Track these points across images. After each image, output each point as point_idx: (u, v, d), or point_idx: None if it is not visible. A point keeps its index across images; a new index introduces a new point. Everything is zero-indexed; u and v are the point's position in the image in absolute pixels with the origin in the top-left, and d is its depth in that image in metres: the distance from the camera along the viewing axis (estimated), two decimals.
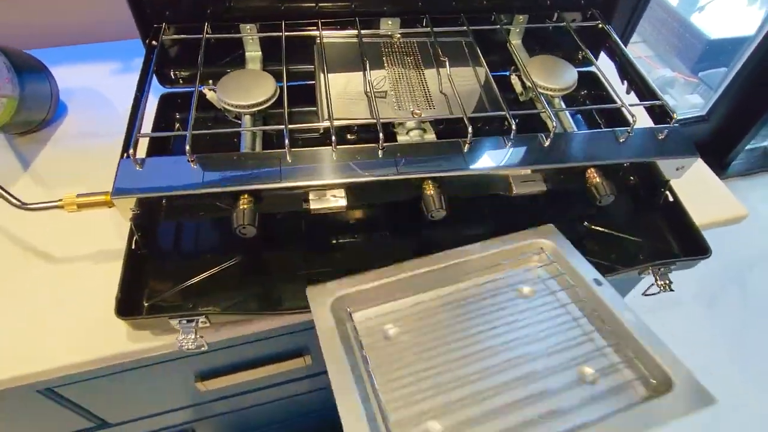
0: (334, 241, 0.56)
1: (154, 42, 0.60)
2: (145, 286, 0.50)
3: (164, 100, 0.64)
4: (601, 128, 0.68)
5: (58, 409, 0.59)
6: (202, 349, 0.47)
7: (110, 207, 0.45)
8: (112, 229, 0.55)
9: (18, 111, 0.56)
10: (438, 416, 0.40)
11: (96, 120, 0.67)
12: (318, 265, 0.54)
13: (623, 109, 0.56)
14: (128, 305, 0.46)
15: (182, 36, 0.61)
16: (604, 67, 0.64)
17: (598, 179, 0.52)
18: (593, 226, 0.60)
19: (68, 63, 0.73)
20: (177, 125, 0.64)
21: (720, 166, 1.93)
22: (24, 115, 0.58)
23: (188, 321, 0.46)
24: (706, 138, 1.89)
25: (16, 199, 0.45)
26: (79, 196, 0.45)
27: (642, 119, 0.55)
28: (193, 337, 0.45)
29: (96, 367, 0.48)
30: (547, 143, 0.52)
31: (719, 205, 0.63)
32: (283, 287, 0.52)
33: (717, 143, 1.87)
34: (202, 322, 0.47)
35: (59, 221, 0.54)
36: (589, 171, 0.52)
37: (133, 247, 0.50)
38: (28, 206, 0.45)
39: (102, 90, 0.71)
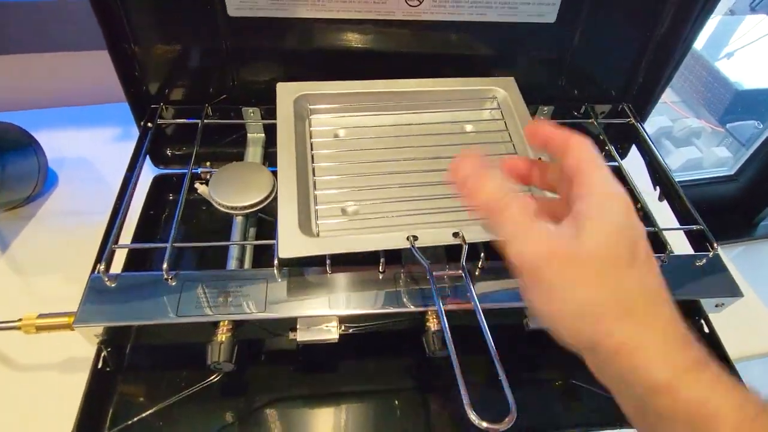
0: (327, 364, 0.50)
1: (149, 124, 0.56)
2: (110, 409, 0.45)
3: (157, 183, 0.60)
4: None
5: None
6: None
7: (72, 330, 0.40)
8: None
9: None
10: (357, 202, 0.46)
11: (85, 196, 0.63)
12: (307, 387, 0.48)
13: (658, 233, 0.50)
14: None
15: (180, 120, 0.57)
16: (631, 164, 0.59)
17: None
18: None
19: (62, 127, 0.70)
20: (167, 211, 0.60)
21: (748, 225, 1.84)
22: (5, 196, 0.55)
23: None
24: (734, 196, 1.81)
25: None
26: (40, 317, 0.40)
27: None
28: None
29: None
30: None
31: (763, 336, 0.56)
32: (267, 415, 0.46)
33: (746, 202, 1.78)
34: None
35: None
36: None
37: (99, 366, 0.45)
38: None
39: (96, 160, 0.67)
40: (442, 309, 0.36)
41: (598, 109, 0.65)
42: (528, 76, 0.61)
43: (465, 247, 0.41)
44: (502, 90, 0.56)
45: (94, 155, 0.68)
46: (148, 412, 0.45)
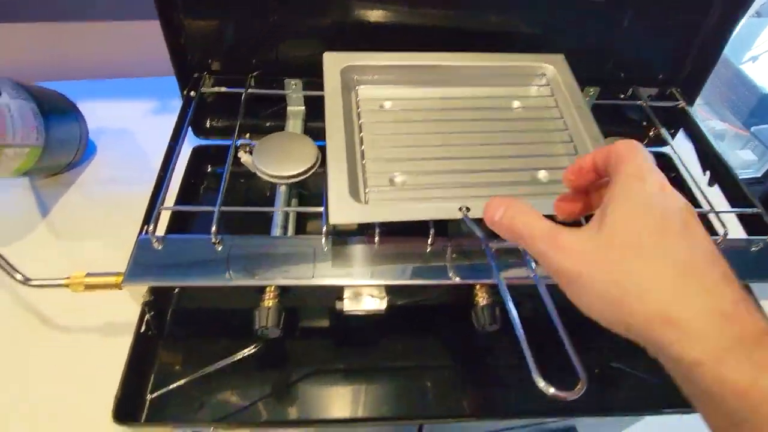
0: (370, 338, 0.49)
1: (192, 93, 0.56)
2: (151, 374, 0.44)
3: (197, 153, 0.60)
4: None
5: None
6: None
7: (120, 289, 0.40)
8: (126, 298, 0.49)
9: (42, 158, 0.52)
10: (405, 172, 0.45)
11: (124, 165, 0.63)
12: (348, 361, 0.47)
13: (711, 215, 0.48)
14: (128, 404, 0.41)
15: (223, 89, 0.56)
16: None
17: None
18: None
19: (103, 98, 0.69)
20: (205, 183, 0.60)
21: None
22: (49, 161, 0.55)
23: None
24: (759, 198, 1.77)
25: (20, 273, 0.40)
26: (88, 275, 0.40)
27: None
28: None
29: None
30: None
31: None
32: (307, 387, 0.46)
33: None
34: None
35: None
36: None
37: (142, 330, 0.44)
38: (31, 283, 0.40)
39: (134, 131, 0.67)
40: (503, 282, 0.35)
41: (645, 92, 0.63)
42: (575, 57, 0.59)
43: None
44: (552, 67, 0.54)
45: (131, 127, 0.68)
46: (187, 379, 0.44)
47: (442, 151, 0.48)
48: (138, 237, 0.42)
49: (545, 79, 0.55)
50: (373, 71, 0.52)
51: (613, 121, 0.64)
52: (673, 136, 0.65)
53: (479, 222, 0.39)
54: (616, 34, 0.59)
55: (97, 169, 0.63)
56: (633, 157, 0.27)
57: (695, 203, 0.53)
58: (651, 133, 0.64)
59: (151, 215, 0.42)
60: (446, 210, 0.40)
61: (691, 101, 0.62)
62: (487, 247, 0.37)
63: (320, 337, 0.48)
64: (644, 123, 0.63)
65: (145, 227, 0.42)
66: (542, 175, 0.47)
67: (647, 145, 0.59)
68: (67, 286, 0.40)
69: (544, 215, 0.29)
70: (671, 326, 0.23)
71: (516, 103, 0.53)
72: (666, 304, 0.23)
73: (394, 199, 0.44)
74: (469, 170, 0.46)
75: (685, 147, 0.60)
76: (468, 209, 0.40)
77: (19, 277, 0.40)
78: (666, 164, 0.63)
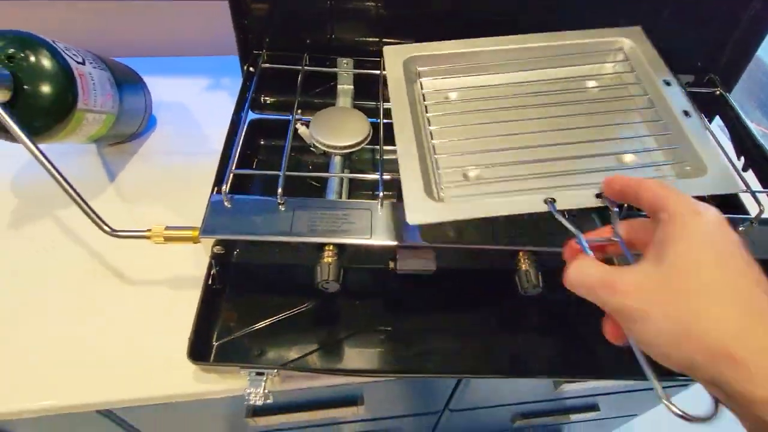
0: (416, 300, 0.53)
1: (251, 69, 0.59)
2: (217, 324, 0.48)
3: (252, 126, 0.63)
4: None
5: (113, 426, 0.59)
6: (268, 401, 0.44)
7: (195, 243, 0.44)
8: (191, 256, 0.54)
9: (114, 125, 0.57)
10: (479, 166, 0.44)
11: (182, 137, 0.67)
12: (394, 320, 0.51)
13: (748, 194, 0.50)
14: (200, 346, 0.45)
15: (281, 66, 0.60)
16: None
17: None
18: None
19: (161, 75, 0.74)
20: (260, 155, 0.63)
21: None
22: (118, 129, 0.59)
23: (258, 374, 0.44)
24: None
25: (106, 225, 0.44)
26: (167, 228, 0.44)
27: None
28: (261, 391, 0.43)
29: (159, 403, 0.47)
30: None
31: None
32: (356, 342, 0.49)
33: None
34: (272, 375, 0.45)
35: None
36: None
37: (209, 282, 0.48)
38: (117, 233, 0.44)
39: (190, 106, 0.72)
40: None
41: (683, 78, 0.64)
42: None
43: (615, 211, 0.35)
44: (629, 40, 0.52)
45: (187, 102, 0.72)
46: (247, 330, 0.48)
47: (516, 140, 0.45)
48: (210, 196, 0.45)
49: (622, 54, 0.52)
50: (434, 61, 0.52)
51: None
52: (710, 122, 0.66)
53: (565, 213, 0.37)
54: (656, 20, 0.60)
55: (157, 141, 0.67)
56: (678, 192, 0.28)
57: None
58: None
59: (223, 177, 0.46)
60: (529, 203, 0.38)
61: (729, 88, 0.63)
62: (581, 242, 0.33)
63: (369, 297, 0.52)
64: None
65: (217, 188, 0.46)
66: (629, 158, 0.44)
67: None
68: (148, 237, 0.44)
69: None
70: (736, 364, 0.23)
71: (591, 83, 0.51)
72: (731, 342, 0.23)
73: (470, 194, 0.42)
74: (547, 159, 0.44)
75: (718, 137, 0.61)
76: (554, 200, 0.38)
77: (106, 228, 0.44)
78: None
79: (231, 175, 0.47)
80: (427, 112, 0.48)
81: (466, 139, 0.46)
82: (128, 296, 0.51)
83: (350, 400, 0.62)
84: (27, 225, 0.56)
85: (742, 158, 0.59)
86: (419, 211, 0.39)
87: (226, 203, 0.45)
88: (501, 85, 0.51)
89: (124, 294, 0.51)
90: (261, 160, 0.64)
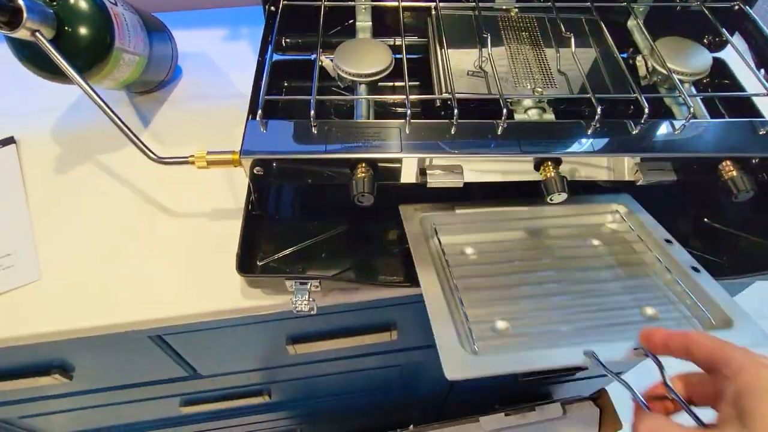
0: None
1: (272, 8, 0.61)
2: (258, 247, 0.51)
3: (275, 68, 0.65)
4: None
5: (162, 355, 0.63)
6: (312, 312, 0.48)
7: (236, 166, 0.47)
8: (226, 190, 0.57)
9: (145, 70, 0.59)
10: (505, 318, 0.44)
11: (208, 84, 0.69)
12: None
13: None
14: (246, 263, 0.48)
15: (301, 2, 0.61)
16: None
17: (735, 173, 0.48)
18: (714, 224, 0.56)
19: (183, 27, 0.75)
20: (284, 93, 0.65)
21: None
22: (149, 74, 0.61)
23: (302, 284, 0.47)
24: None
25: (152, 152, 0.47)
26: (209, 153, 0.47)
27: None
28: (306, 299, 0.46)
29: (209, 320, 0.50)
30: (679, 130, 0.49)
31: None
32: (388, 260, 0.52)
33: None
34: (314, 286, 0.48)
35: (177, 178, 0.57)
36: (724, 163, 0.48)
37: (249, 207, 0.51)
38: (163, 160, 0.47)
39: (213, 56, 0.73)
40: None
41: None
42: None
43: (663, 371, 0.34)
44: (622, 206, 0.55)
45: (209, 51, 0.74)
46: (289, 251, 0.51)
47: (538, 291, 0.47)
48: (246, 122, 0.48)
49: (619, 215, 0.55)
50: (449, 220, 0.53)
51: (667, 28, 0.65)
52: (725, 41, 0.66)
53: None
54: None
55: (185, 88, 0.69)
56: (734, 345, 0.28)
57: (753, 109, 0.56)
58: (705, 40, 0.66)
59: (257, 104, 0.48)
60: (572, 355, 0.39)
61: (749, 2, 0.63)
62: (637, 397, 0.33)
63: (398, 219, 0.54)
64: (699, 27, 0.64)
65: (252, 114, 0.48)
66: (650, 312, 0.45)
67: None
68: (192, 162, 0.47)
69: None
70: None
71: (596, 241, 0.53)
72: None
73: (503, 344, 0.42)
74: (572, 309, 0.45)
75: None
76: (594, 354, 0.38)
77: (153, 156, 0.46)
78: (720, 70, 0.65)
79: (264, 101, 0.49)
80: (449, 266, 0.48)
81: (489, 289, 0.47)
82: (175, 227, 0.55)
83: (384, 326, 0.66)
84: (75, 169, 0.60)
85: (762, 70, 0.59)
86: (458, 367, 0.38)
87: (261, 128, 0.47)
88: (513, 240, 0.53)
89: (171, 226, 0.55)
90: (286, 101, 0.66)
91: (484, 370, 0.38)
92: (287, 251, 0.52)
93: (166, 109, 0.66)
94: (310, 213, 0.55)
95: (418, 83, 0.66)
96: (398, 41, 0.62)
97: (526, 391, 1.13)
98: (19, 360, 0.60)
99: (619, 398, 1.04)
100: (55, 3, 0.46)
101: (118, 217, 0.55)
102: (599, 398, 1.05)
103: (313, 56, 0.54)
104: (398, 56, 0.55)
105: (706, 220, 0.57)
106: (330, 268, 0.51)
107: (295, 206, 0.55)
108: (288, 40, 0.67)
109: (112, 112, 0.46)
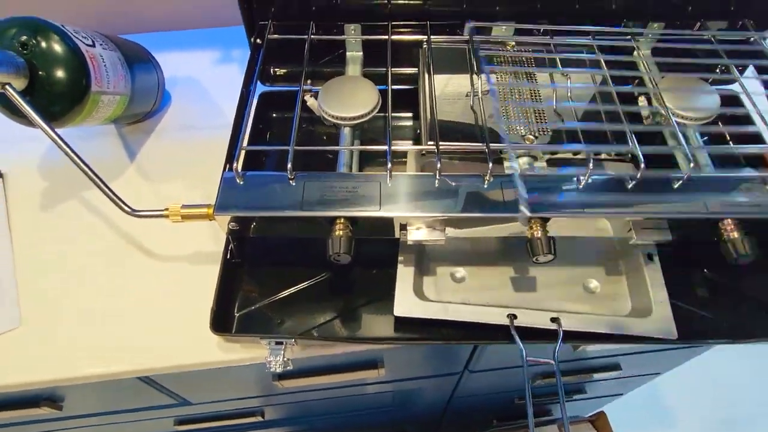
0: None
1: (258, 41, 0.59)
2: (238, 295, 0.50)
3: (263, 99, 0.63)
4: (741, 167, 0.59)
5: (150, 390, 0.63)
6: (288, 368, 0.47)
7: (211, 220, 0.45)
8: (208, 232, 0.56)
9: (129, 106, 0.58)
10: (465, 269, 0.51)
11: (197, 112, 0.68)
12: None
13: None
14: (221, 318, 0.47)
15: (287, 36, 0.59)
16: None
17: (736, 234, 0.45)
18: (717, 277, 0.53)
19: (172, 50, 0.74)
20: (272, 128, 0.64)
21: None
22: (134, 108, 0.60)
23: (277, 343, 0.46)
24: None
25: (126, 206, 0.46)
26: (183, 207, 0.46)
27: None
28: (281, 359, 0.45)
29: (186, 371, 0.50)
30: (678, 184, 0.46)
31: None
32: (372, 310, 0.50)
33: None
34: (290, 344, 0.47)
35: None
36: (726, 222, 0.45)
37: (228, 256, 0.50)
38: (137, 213, 0.46)
39: (203, 80, 0.72)
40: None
41: (714, 25, 0.60)
42: None
43: (560, 338, 0.44)
44: None
45: (199, 76, 0.72)
46: (267, 301, 0.50)
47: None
48: (223, 174, 0.46)
49: None
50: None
51: (678, 61, 0.62)
52: (741, 72, 0.62)
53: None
54: None
55: (173, 117, 0.68)
56: None
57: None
58: (718, 71, 0.62)
59: (233, 154, 0.47)
60: (492, 315, 0.47)
61: (764, 35, 0.59)
62: (524, 362, 0.43)
63: (385, 266, 0.52)
64: (711, 59, 0.61)
65: (229, 165, 0.46)
66: (594, 285, 0.51)
67: (713, 84, 0.58)
68: (166, 216, 0.46)
69: None
70: None
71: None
72: None
73: (454, 296, 0.50)
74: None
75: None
76: (515, 316, 0.46)
77: (126, 209, 0.46)
78: (732, 106, 0.61)
79: (242, 151, 0.47)
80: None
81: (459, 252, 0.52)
82: (155, 271, 0.54)
83: (371, 363, 0.65)
84: (57, 205, 0.59)
85: None
86: (405, 306, 0.47)
87: (238, 180, 0.46)
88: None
89: (151, 269, 0.54)
90: (274, 132, 0.64)
91: (425, 313, 0.46)
92: (267, 300, 0.50)
93: (153, 141, 0.65)
94: (293, 259, 0.53)
95: (411, 115, 0.64)
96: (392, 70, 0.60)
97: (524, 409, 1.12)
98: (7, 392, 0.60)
99: (617, 421, 1.02)
100: (27, 51, 0.45)
101: (100, 259, 0.55)
102: (597, 420, 1.03)
103: (298, 89, 0.52)
104: (392, 87, 0.53)
105: (706, 271, 0.54)
106: (311, 319, 0.49)
107: (277, 253, 0.54)
108: (277, 70, 0.65)
109: (85, 164, 0.45)
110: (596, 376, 0.80)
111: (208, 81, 0.72)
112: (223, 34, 0.76)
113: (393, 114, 0.64)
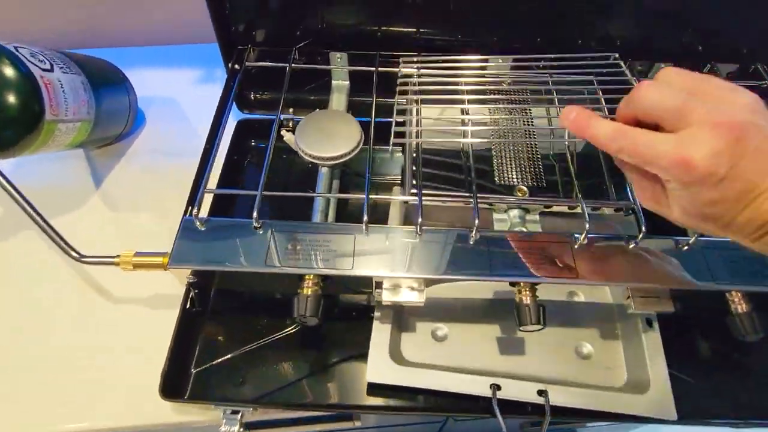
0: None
1: (236, 66, 0.55)
2: (196, 349, 0.46)
3: (241, 127, 0.59)
4: None
5: None
6: None
7: (166, 270, 0.41)
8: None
9: (93, 131, 0.53)
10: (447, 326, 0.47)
11: (172, 135, 0.64)
12: None
13: None
14: (174, 378, 0.43)
15: (268, 63, 0.55)
16: None
17: (745, 308, 0.41)
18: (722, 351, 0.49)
19: (148, 66, 0.70)
20: (250, 157, 0.60)
21: None
22: (100, 133, 0.56)
23: (233, 412, 0.42)
24: None
25: (74, 251, 0.42)
26: (137, 255, 0.41)
27: None
28: (236, 429, 0.41)
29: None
30: (684, 248, 0.42)
31: None
32: (345, 370, 0.46)
33: None
34: (249, 411, 0.42)
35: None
36: (734, 294, 0.41)
37: (188, 305, 0.46)
38: (85, 260, 0.42)
39: (182, 100, 0.68)
40: None
41: (724, 69, 0.57)
42: (646, 27, 0.54)
43: (548, 416, 0.41)
44: None
45: (178, 95, 0.68)
46: (229, 356, 0.46)
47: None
48: (182, 219, 0.42)
49: None
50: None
51: None
52: None
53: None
54: (696, 2, 0.52)
55: (147, 140, 0.64)
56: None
57: None
58: None
59: (195, 198, 0.42)
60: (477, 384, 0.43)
61: None
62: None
63: (359, 321, 0.48)
64: None
65: (190, 209, 0.42)
66: (586, 350, 0.47)
67: None
68: (117, 264, 0.41)
69: None
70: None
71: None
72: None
73: (434, 357, 0.45)
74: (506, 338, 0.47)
75: None
76: (498, 387, 0.42)
77: (73, 254, 0.41)
78: None
79: (204, 195, 0.43)
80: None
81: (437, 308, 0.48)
82: (109, 317, 0.49)
83: (346, 416, 0.60)
84: (15, 236, 0.55)
85: None
86: (380, 371, 0.43)
87: (199, 226, 0.42)
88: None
89: (105, 313, 0.49)
90: (251, 162, 0.60)
91: (401, 380, 0.42)
92: (229, 355, 0.46)
93: (123, 165, 0.61)
94: (260, 309, 0.49)
95: (401, 147, 0.60)
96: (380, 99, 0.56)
97: None
98: None
99: None
100: None
101: (48, 304, 0.50)
102: None
103: (273, 125, 0.48)
104: (379, 120, 0.49)
105: (710, 338, 0.49)
106: (275, 379, 0.45)
107: (243, 301, 0.49)
108: (258, 96, 0.61)
109: (30, 207, 0.40)
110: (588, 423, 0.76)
111: (187, 102, 0.67)
112: (204, 52, 0.72)
113: (381, 147, 0.60)
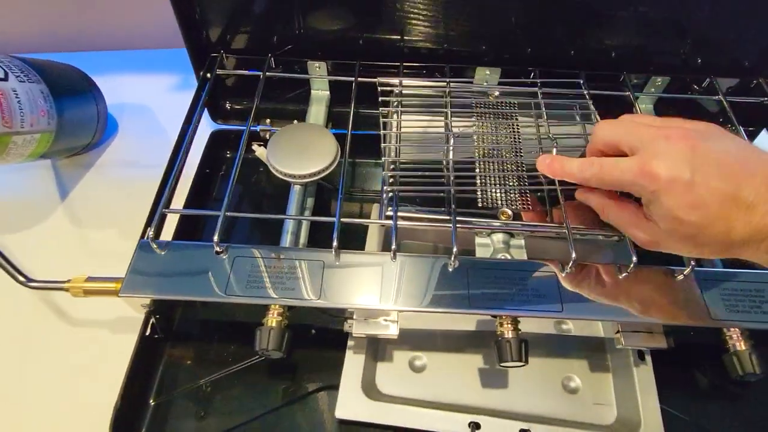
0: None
1: (208, 74, 0.52)
2: (156, 378, 0.43)
3: (214, 138, 0.56)
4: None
5: None
6: None
7: (119, 297, 0.38)
8: None
9: (56, 142, 0.50)
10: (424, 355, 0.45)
11: (144, 145, 0.61)
12: None
13: None
14: (128, 413, 0.40)
15: (241, 72, 0.52)
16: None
17: (743, 346, 0.38)
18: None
19: (123, 72, 0.67)
20: (223, 169, 0.57)
21: None
22: (64, 143, 0.53)
23: None
24: None
25: (21, 274, 0.39)
26: (88, 280, 0.38)
27: None
28: None
29: None
30: (679, 277, 0.39)
31: None
32: (315, 402, 0.43)
33: None
34: None
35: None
36: (731, 331, 0.38)
37: (147, 333, 0.43)
38: (32, 284, 0.39)
39: (156, 107, 0.65)
40: None
41: (724, 83, 0.54)
42: (643, 40, 0.51)
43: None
44: None
45: (154, 103, 0.65)
46: (191, 385, 0.43)
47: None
48: (139, 241, 0.39)
49: None
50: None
51: (681, 116, 0.55)
52: (754, 135, 0.56)
53: None
54: (696, 14, 0.49)
55: (117, 149, 0.61)
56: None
57: None
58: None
59: (152, 219, 0.39)
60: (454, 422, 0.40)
61: None
62: None
63: (334, 346, 0.45)
64: (720, 120, 0.54)
65: (147, 231, 0.39)
66: (574, 384, 0.44)
67: None
68: (67, 290, 0.38)
69: None
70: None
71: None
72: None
73: (409, 390, 0.43)
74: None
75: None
76: (478, 426, 0.39)
77: (20, 278, 0.38)
78: None
79: (164, 216, 0.40)
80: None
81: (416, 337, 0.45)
82: (65, 342, 0.46)
83: None
84: None
85: None
86: (351, 406, 0.40)
87: (156, 249, 0.39)
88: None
89: (60, 338, 0.46)
90: (225, 175, 0.57)
91: (372, 417, 0.40)
92: (192, 385, 0.43)
93: (91, 177, 0.58)
94: (225, 336, 0.46)
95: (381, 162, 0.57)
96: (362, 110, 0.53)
97: None
98: None
99: None
100: None
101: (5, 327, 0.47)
102: None
103: (243, 130, 0.45)
104: (358, 132, 0.46)
105: (705, 372, 0.46)
106: (238, 413, 0.42)
107: (206, 327, 0.46)
108: (233, 105, 0.58)
109: None
110: None
111: (161, 109, 0.64)
112: (181, 56, 0.68)
113: (363, 160, 0.57)
